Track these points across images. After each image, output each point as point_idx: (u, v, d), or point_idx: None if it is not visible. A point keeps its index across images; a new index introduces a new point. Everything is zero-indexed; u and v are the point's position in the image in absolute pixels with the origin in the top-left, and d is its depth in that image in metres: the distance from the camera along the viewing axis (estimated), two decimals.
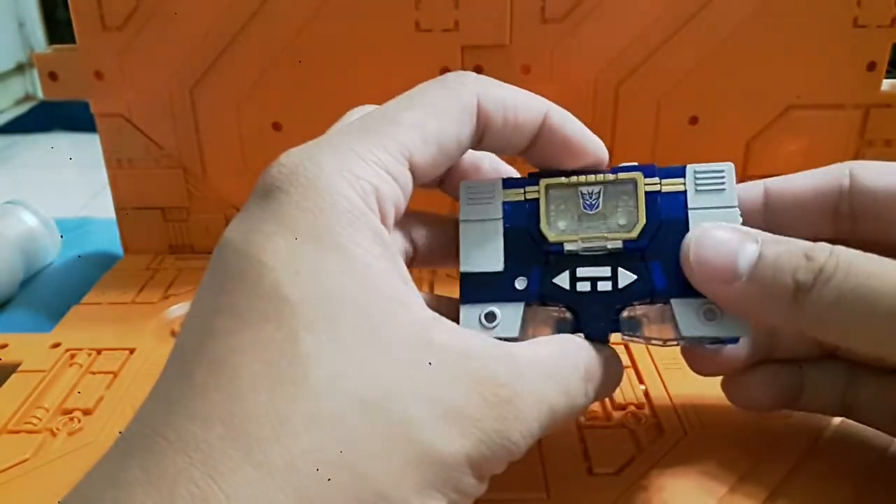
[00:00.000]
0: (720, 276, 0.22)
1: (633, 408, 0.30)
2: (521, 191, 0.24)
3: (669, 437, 0.28)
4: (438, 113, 0.21)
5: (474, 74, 0.23)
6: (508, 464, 0.19)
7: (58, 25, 2.04)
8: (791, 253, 0.21)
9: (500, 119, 0.22)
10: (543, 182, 0.24)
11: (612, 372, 0.23)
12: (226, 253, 0.18)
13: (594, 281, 0.23)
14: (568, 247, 0.23)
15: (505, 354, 0.20)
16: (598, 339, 0.23)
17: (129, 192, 0.45)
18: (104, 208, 0.48)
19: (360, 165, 0.19)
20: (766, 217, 0.25)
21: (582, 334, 0.23)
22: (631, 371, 0.32)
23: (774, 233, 0.24)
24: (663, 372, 0.32)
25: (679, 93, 0.41)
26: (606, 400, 0.31)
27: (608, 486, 0.26)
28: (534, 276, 0.23)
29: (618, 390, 0.31)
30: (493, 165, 0.26)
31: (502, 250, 0.24)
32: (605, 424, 0.29)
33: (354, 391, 0.17)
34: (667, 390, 0.31)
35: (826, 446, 0.27)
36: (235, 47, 0.41)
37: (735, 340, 0.23)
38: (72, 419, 0.31)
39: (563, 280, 0.23)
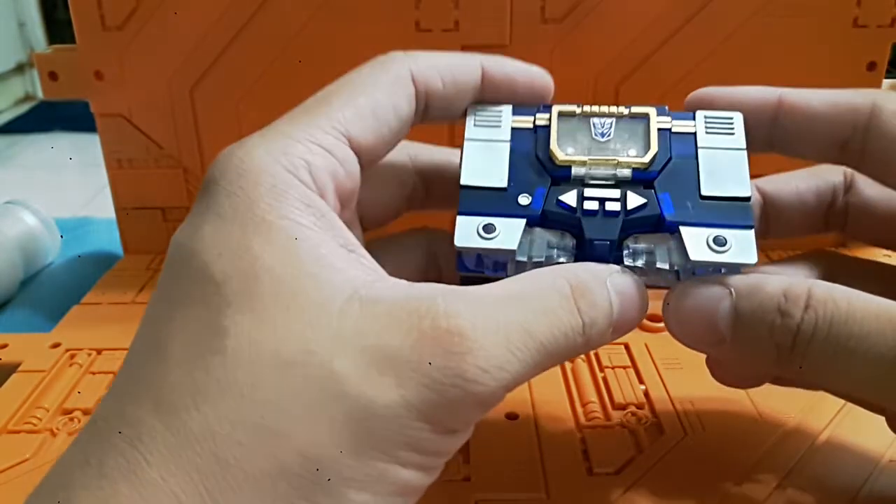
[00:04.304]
0: (706, 341, 0.21)
1: (633, 408, 0.30)
2: (531, 118, 0.23)
3: (669, 437, 0.28)
4: (369, 87, 0.21)
5: (402, 51, 0.23)
6: (482, 409, 0.17)
7: (58, 25, 2.03)
8: (765, 309, 0.20)
9: (437, 83, 0.22)
10: (556, 108, 0.23)
11: (624, 289, 0.21)
12: (169, 250, 0.19)
13: (603, 201, 0.22)
14: (576, 170, 0.22)
15: (451, 292, 0.18)
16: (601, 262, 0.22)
17: (129, 192, 0.45)
18: (104, 208, 0.48)
19: (291, 145, 0.19)
20: (771, 129, 0.24)
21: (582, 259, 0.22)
22: (631, 371, 0.32)
23: (777, 148, 0.24)
24: (663, 372, 0.32)
25: (679, 92, 0.41)
26: (606, 400, 0.31)
27: (608, 486, 0.26)
28: (538, 194, 0.22)
29: (618, 390, 0.31)
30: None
31: (507, 168, 0.23)
32: (605, 424, 0.29)
33: (272, 354, 0.16)
34: (667, 390, 0.31)
35: (825, 447, 0.27)
36: (235, 47, 0.41)
37: (738, 270, 0.22)
38: (72, 419, 0.31)
39: (570, 198, 0.22)
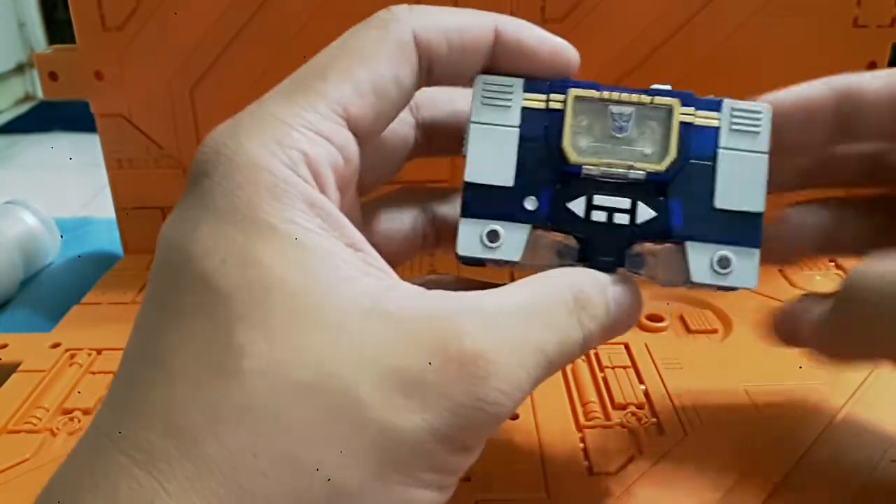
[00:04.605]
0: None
1: (633, 408, 0.30)
2: (545, 97, 0.22)
3: (669, 437, 0.28)
4: (369, 57, 0.19)
5: (407, 6, 0.21)
6: (498, 426, 0.18)
7: (58, 25, 2.03)
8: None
9: (443, 46, 0.20)
10: (572, 93, 0.22)
11: (622, 299, 0.21)
12: (160, 248, 0.18)
13: (611, 212, 0.21)
14: (587, 170, 0.21)
15: (469, 308, 0.18)
16: (603, 271, 0.22)
17: (129, 192, 0.45)
18: (104, 208, 0.48)
19: (285, 132, 0.18)
20: (834, 123, 0.24)
21: (584, 265, 0.22)
22: (631, 371, 0.32)
23: (837, 139, 0.24)
24: (663, 372, 0.32)
25: None
26: (606, 400, 0.31)
27: (608, 486, 0.26)
28: (545, 198, 0.21)
29: (618, 390, 0.31)
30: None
31: (515, 163, 0.21)
32: (605, 424, 0.29)
33: (291, 377, 0.16)
34: (667, 390, 0.31)
35: (826, 446, 0.27)
36: (235, 47, 0.41)
37: (735, 288, 0.22)
38: (72, 419, 0.31)
39: (577, 206, 0.21)
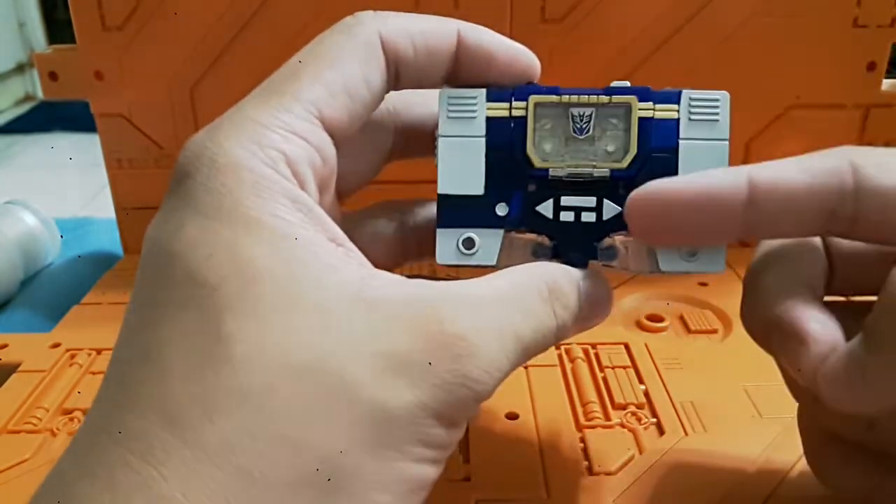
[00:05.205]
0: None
1: (633, 408, 0.30)
2: (507, 105, 0.23)
3: (669, 437, 0.28)
4: (339, 59, 0.20)
5: (372, 11, 0.21)
6: (480, 403, 0.19)
7: (58, 25, 2.03)
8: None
9: (409, 49, 0.21)
10: (532, 99, 0.22)
11: (593, 292, 0.22)
12: (146, 248, 0.18)
13: (578, 211, 0.22)
14: (553, 172, 0.22)
15: (451, 294, 0.19)
16: (576, 267, 0.22)
17: (129, 192, 0.45)
18: (104, 208, 0.48)
19: (263, 134, 0.18)
20: (746, 215, 0.20)
21: (558, 261, 0.22)
22: (631, 371, 0.32)
23: (751, 231, 0.21)
24: (663, 372, 0.32)
25: None
26: (607, 400, 0.31)
27: (608, 486, 0.26)
28: (515, 202, 0.23)
29: (618, 390, 0.31)
30: None
31: (484, 172, 0.23)
32: (605, 424, 0.29)
33: (284, 361, 0.16)
34: (667, 390, 0.31)
35: None
36: (235, 47, 0.41)
37: (704, 273, 0.22)
38: (72, 419, 0.31)
39: (546, 209, 0.22)
